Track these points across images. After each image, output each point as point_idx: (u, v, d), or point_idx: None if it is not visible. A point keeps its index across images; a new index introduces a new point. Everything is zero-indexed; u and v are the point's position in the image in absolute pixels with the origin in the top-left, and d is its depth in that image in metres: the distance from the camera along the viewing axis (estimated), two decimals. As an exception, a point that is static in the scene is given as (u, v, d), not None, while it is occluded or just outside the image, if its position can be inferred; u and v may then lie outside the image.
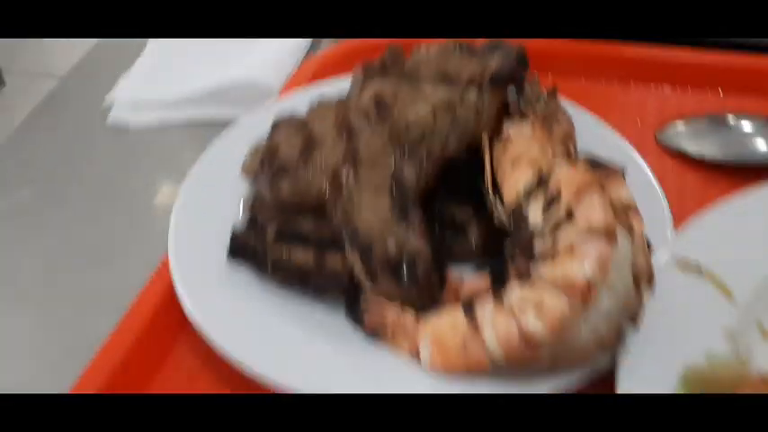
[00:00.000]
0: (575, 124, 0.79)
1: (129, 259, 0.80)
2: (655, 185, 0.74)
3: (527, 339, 0.54)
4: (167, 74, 1.08)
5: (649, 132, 0.87)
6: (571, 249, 0.54)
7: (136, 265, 0.75)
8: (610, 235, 0.54)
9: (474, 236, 0.70)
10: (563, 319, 0.53)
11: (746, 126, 0.86)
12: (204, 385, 0.65)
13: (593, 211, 0.55)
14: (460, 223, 0.71)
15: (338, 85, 0.84)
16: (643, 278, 0.57)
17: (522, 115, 0.73)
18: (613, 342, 0.55)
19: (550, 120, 0.77)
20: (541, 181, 0.61)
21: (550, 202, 0.58)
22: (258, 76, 1.03)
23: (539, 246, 0.57)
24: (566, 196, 0.57)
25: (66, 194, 0.91)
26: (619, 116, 0.86)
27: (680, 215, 0.72)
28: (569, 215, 0.56)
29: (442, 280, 0.65)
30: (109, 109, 1.02)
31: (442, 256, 0.67)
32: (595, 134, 0.80)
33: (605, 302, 0.55)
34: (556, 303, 0.53)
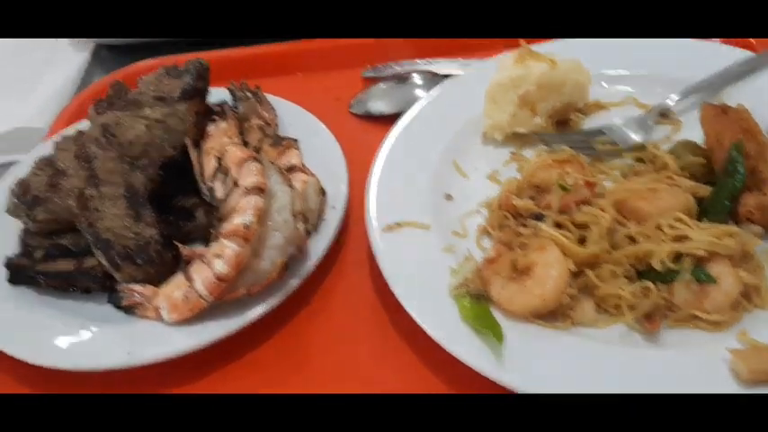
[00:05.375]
0: (278, 113, 1.02)
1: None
2: (335, 146, 0.95)
3: (219, 278, 0.74)
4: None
5: (344, 105, 1.10)
6: (238, 207, 0.75)
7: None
8: (261, 190, 0.75)
9: (200, 216, 0.89)
10: (237, 257, 0.73)
11: (417, 81, 1.11)
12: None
13: (248, 176, 0.76)
14: (190, 209, 0.90)
15: (83, 126, 1.02)
16: (301, 218, 0.78)
17: (222, 115, 0.94)
18: (286, 266, 0.77)
19: (250, 114, 0.98)
20: (219, 163, 0.81)
21: (224, 177, 0.79)
22: (29, 122, 1.18)
23: (221, 211, 0.77)
24: (232, 170, 0.78)
25: None
26: (319, 99, 1.09)
27: (366, 161, 0.94)
28: (235, 183, 0.77)
29: (177, 256, 0.84)
30: None
31: (174, 238, 0.85)
32: (294, 116, 1.02)
33: (275, 238, 0.76)
34: (230, 248, 0.74)
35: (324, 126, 0.99)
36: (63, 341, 0.80)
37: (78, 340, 0.80)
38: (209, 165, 0.83)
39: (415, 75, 1.12)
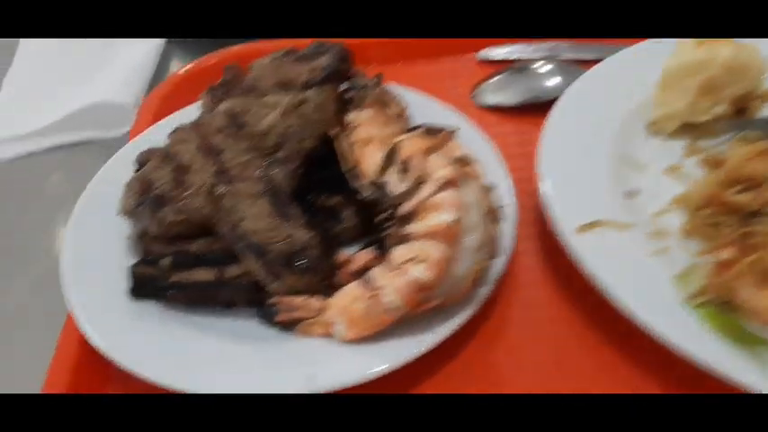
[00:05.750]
0: (405, 102, 0.91)
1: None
2: (481, 136, 0.86)
3: (420, 286, 0.64)
4: (23, 108, 1.10)
5: (466, 95, 1.01)
6: (430, 204, 0.65)
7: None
8: (455, 184, 0.65)
9: (349, 217, 0.79)
10: (442, 261, 0.63)
11: (540, 70, 1.02)
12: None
13: (438, 168, 0.67)
14: (334, 208, 0.79)
15: (190, 112, 0.90)
16: (490, 215, 0.69)
17: (358, 104, 0.83)
18: (482, 273, 0.67)
19: (382, 103, 0.88)
20: (392, 154, 0.71)
21: (404, 171, 0.69)
22: (112, 96, 1.07)
23: (404, 209, 0.67)
24: (415, 162, 0.68)
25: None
26: (438, 88, 0.99)
27: (504, 156, 0.85)
28: (421, 177, 0.67)
29: (334, 264, 0.74)
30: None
31: (328, 242, 0.75)
32: (423, 107, 0.91)
33: (468, 240, 0.66)
34: (433, 250, 0.64)
35: (466, 118, 0.89)
36: (223, 364, 0.68)
37: (244, 363, 0.68)
38: (373, 158, 0.73)
39: (536, 63, 1.03)
